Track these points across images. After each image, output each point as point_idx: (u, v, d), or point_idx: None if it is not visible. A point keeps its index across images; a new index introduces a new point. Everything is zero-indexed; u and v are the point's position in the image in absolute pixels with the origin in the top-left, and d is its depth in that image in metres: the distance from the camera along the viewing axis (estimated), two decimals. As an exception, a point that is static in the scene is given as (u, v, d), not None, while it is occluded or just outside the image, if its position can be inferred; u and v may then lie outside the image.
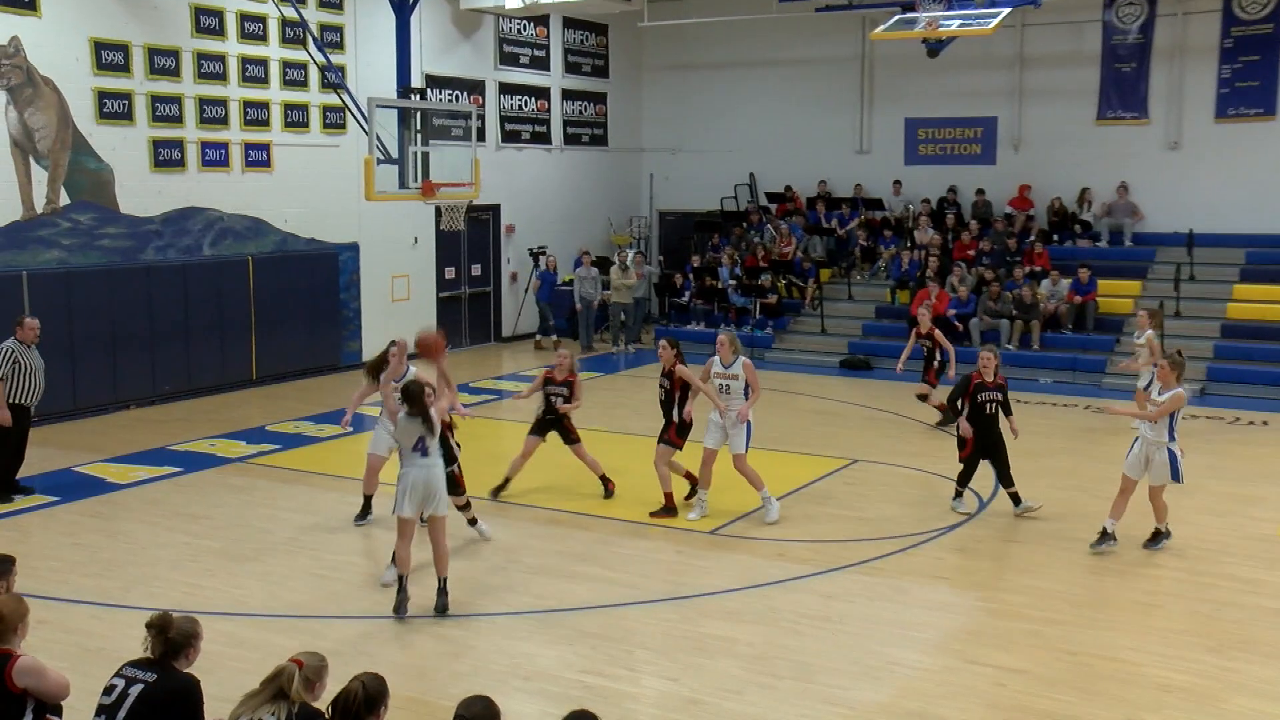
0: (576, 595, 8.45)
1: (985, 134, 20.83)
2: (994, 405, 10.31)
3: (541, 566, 9.06)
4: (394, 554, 8.26)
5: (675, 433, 10.20)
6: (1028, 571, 8.96)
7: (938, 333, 13.98)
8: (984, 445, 10.32)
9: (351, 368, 17.53)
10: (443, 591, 8.02)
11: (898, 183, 21.38)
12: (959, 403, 10.47)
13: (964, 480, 10.50)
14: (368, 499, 10.14)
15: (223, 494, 10.96)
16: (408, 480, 7.90)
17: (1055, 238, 19.75)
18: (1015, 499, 10.39)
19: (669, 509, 10.20)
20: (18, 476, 10.65)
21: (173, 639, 4.70)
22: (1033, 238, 19.32)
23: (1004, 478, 10.43)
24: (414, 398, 7.84)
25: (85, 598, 8.25)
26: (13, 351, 10.31)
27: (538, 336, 20.19)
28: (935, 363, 13.96)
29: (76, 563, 8.99)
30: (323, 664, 4.64)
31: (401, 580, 7.98)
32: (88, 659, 7.17)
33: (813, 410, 15.30)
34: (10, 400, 10.27)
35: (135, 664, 4.74)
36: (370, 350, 17.61)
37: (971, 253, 19.40)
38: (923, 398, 14.15)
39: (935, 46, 18.09)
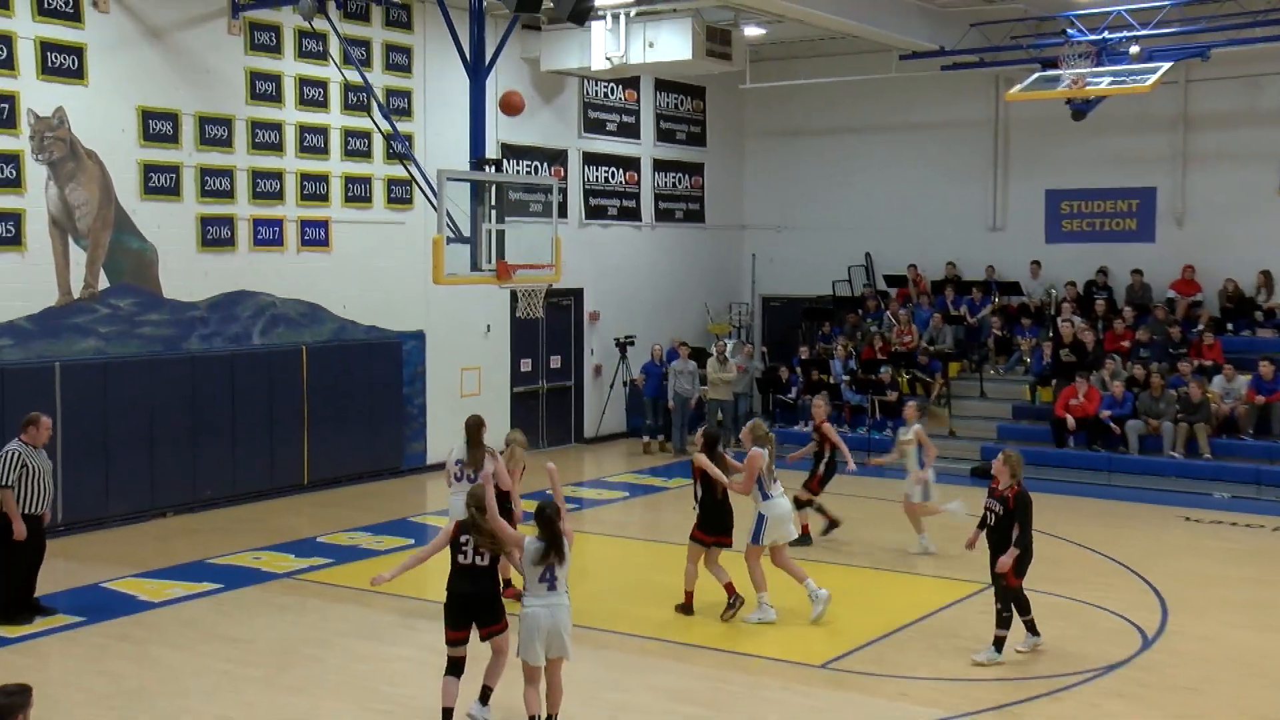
0: (666, 740, 8.27)
1: (1142, 207, 20.56)
2: (991, 516, 9.83)
3: (628, 703, 8.92)
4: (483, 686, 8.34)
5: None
6: (1207, 724, 8.55)
7: (827, 427, 13.33)
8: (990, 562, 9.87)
9: (415, 471, 17.73)
10: None
11: (1037, 263, 21.16)
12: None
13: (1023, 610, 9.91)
14: None
15: (267, 615, 11.06)
16: (534, 621, 7.82)
17: (1229, 327, 19.27)
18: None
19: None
20: (37, 594, 10.84)
21: None
22: (1201, 326, 18.90)
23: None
24: (547, 520, 7.87)
25: (111, 730, 8.32)
26: (19, 455, 10.47)
27: (645, 439, 20.23)
28: (823, 465, 13.30)
29: (101, 694, 9.09)
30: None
31: None
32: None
33: (939, 524, 14.96)
34: (22, 511, 10.48)
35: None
36: (436, 452, 17.83)
37: (1126, 344, 19.03)
38: (801, 504, 13.17)
39: (1081, 108, 18.02)
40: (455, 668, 8.27)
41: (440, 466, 17.35)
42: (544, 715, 8.02)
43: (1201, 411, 17.27)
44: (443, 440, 17.84)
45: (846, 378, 19.93)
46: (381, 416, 17.36)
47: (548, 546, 7.86)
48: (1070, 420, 17.76)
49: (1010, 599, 9.77)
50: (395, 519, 14.99)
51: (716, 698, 9.05)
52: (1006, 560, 9.62)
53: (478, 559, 8.15)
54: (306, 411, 16.37)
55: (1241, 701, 9.03)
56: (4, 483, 10.39)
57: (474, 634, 8.26)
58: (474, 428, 11.12)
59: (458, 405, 18.32)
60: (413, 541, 13.98)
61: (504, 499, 10.61)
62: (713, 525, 10.82)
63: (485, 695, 8.39)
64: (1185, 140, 20.18)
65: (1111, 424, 17.52)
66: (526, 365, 20.00)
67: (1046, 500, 16.14)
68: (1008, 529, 9.68)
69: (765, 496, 10.90)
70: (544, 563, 7.86)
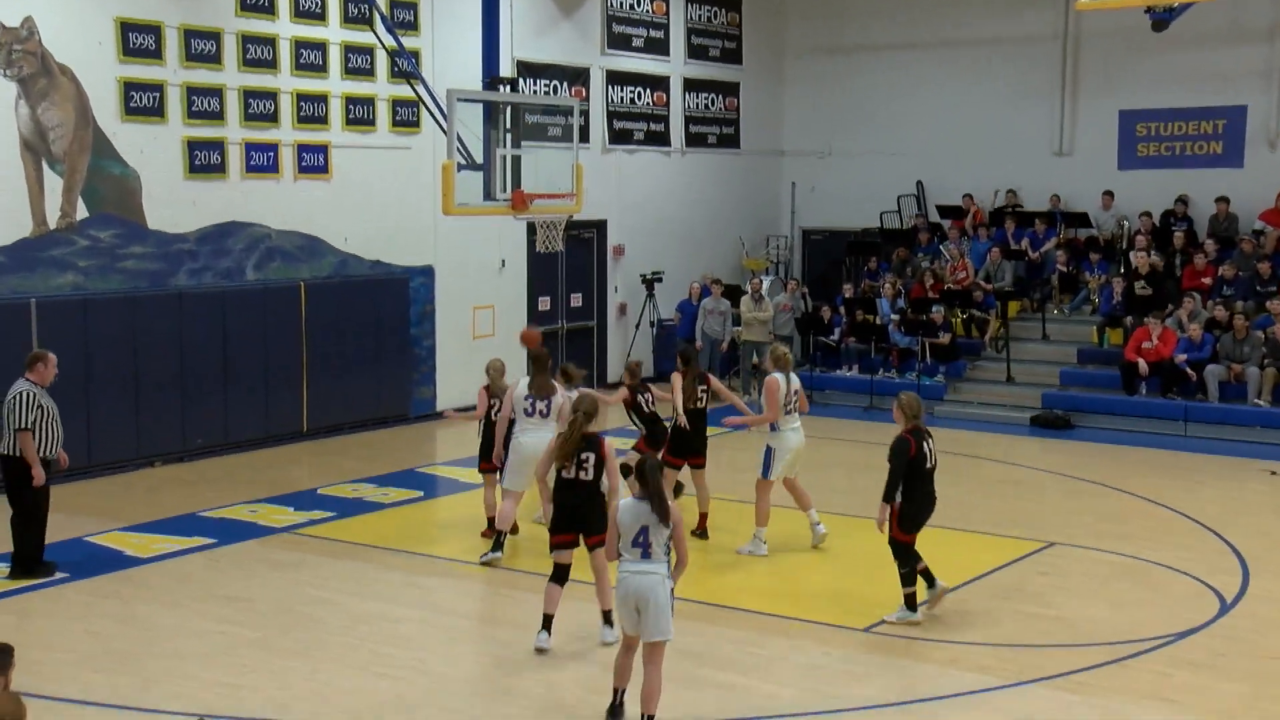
0: (701, 705, 8.36)
1: (1230, 128, 20.29)
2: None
3: (652, 670, 8.99)
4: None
5: None
6: (1288, 695, 8.56)
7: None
8: None
9: (423, 418, 17.83)
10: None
11: (1109, 193, 20.96)
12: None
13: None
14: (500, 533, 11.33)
15: (265, 571, 11.19)
16: (624, 589, 7.81)
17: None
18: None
19: None
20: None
21: None
22: (1294, 261, 18.69)
23: None
24: (646, 475, 7.85)
25: (95, 698, 8.44)
26: (34, 396, 10.64)
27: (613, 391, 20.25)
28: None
29: (87, 654, 9.23)
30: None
31: (617, 694, 8.06)
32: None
33: (997, 479, 14.99)
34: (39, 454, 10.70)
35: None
36: (445, 397, 17.92)
37: (1207, 281, 18.86)
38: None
39: (1163, 16, 17.70)
40: (560, 575, 9.22)
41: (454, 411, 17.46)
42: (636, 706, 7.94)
43: (1290, 355, 17.14)
44: (453, 385, 17.95)
45: (894, 318, 19.86)
46: (387, 359, 17.43)
47: (648, 506, 7.77)
48: (1143, 365, 17.65)
49: (899, 554, 9.78)
50: (402, 469, 15.10)
51: (751, 662, 9.12)
52: (881, 519, 9.74)
53: (581, 474, 9.02)
54: (305, 353, 16.46)
55: (1327, 670, 9.04)
56: (22, 425, 10.55)
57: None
58: (541, 358, 11.46)
59: (470, 347, 18.40)
60: (422, 494, 14.12)
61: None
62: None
63: (607, 617, 9.24)
64: (1281, 53, 19.85)
65: (1188, 369, 17.40)
66: (545, 304, 20.02)
67: (1115, 452, 16.20)
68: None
69: (773, 429, 11.46)
70: (639, 524, 7.78)
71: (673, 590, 7.80)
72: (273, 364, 16.13)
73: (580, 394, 9.58)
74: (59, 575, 10.91)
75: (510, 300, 19.25)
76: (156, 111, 15.06)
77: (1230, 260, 19.06)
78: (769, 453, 11.50)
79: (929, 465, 9.83)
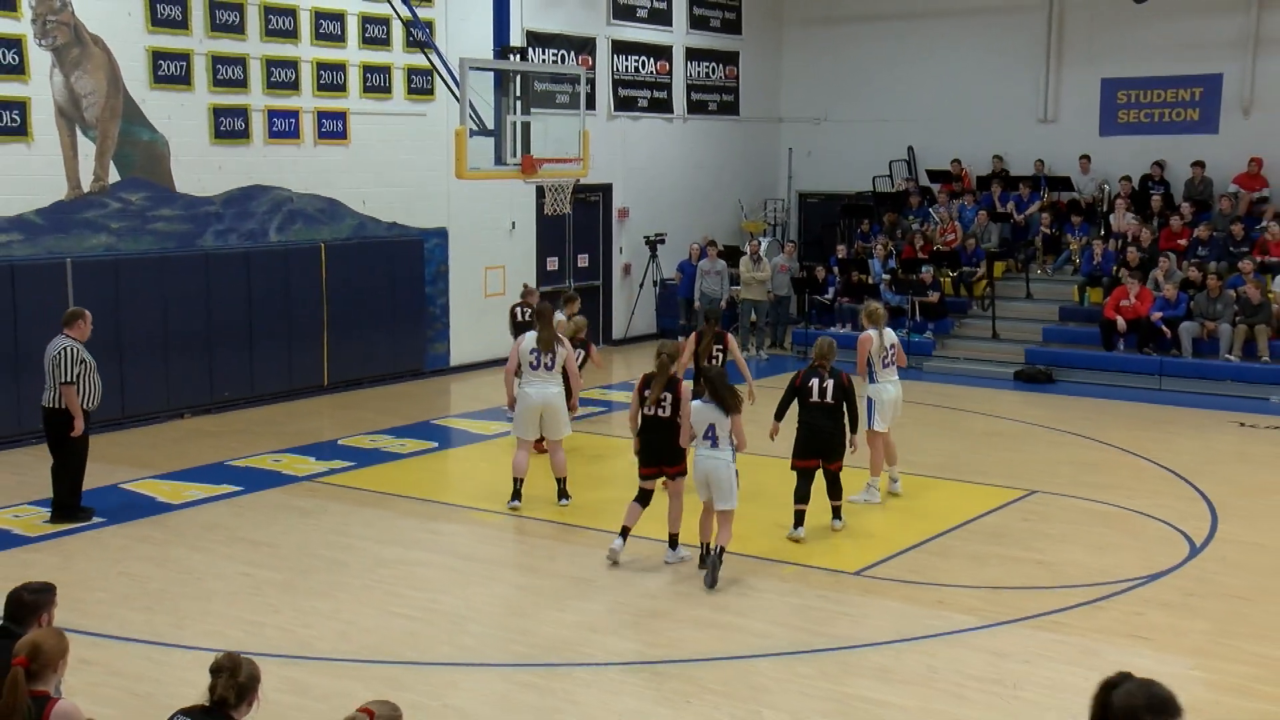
0: (697, 644, 8.43)
1: (1206, 95, 20.15)
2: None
3: (655, 609, 9.07)
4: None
5: None
6: (1259, 636, 8.61)
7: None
8: None
9: (437, 373, 17.86)
10: (716, 564, 9.42)
11: (1088, 158, 20.85)
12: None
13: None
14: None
15: (288, 518, 11.25)
16: (696, 468, 9.52)
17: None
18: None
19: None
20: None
21: (243, 683, 4.83)
22: (1265, 223, 18.62)
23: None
24: (712, 382, 9.43)
25: (133, 634, 8.54)
26: (78, 351, 10.71)
27: (680, 340, 20.25)
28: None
29: (124, 594, 9.31)
30: (397, 715, 4.70)
31: (704, 546, 9.68)
32: (136, 705, 7.43)
33: (983, 431, 15.02)
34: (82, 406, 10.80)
35: (189, 712, 4.87)
36: (459, 353, 17.96)
37: (1183, 242, 18.81)
38: None
39: (1142, -11, 17.62)
40: (642, 498, 10.03)
41: (467, 368, 17.49)
42: (713, 546, 9.57)
43: (1262, 313, 17.11)
44: (466, 341, 17.99)
45: (886, 278, 19.83)
46: (403, 316, 17.44)
47: (714, 406, 9.34)
48: (1121, 322, 17.65)
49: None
50: (418, 421, 15.14)
51: (747, 604, 9.17)
52: (770, 431, 10.79)
53: (659, 411, 9.76)
54: (326, 311, 16.47)
55: (1292, 611, 9.09)
56: (68, 379, 10.61)
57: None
58: (545, 312, 11.61)
59: (481, 305, 18.42)
60: (436, 444, 14.17)
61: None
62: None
63: (673, 541, 9.98)
64: (1258, 21, 19.66)
65: (1164, 326, 17.40)
66: (553, 264, 20.00)
67: (1094, 405, 16.22)
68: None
69: (872, 380, 11.64)
70: (706, 421, 9.37)
71: (735, 471, 9.42)
72: (295, 321, 16.14)
73: (663, 341, 10.72)
74: (96, 520, 10.99)
75: (520, 260, 19.23)
76: (183, 79, 14.99)
77: (1206, 222, 19.00)
78: (870, 404, 11.57)
79: (812, 399, 10.51)
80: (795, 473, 10.60)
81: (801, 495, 10.55)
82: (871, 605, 9.18)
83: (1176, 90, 20.39)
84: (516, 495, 11.41)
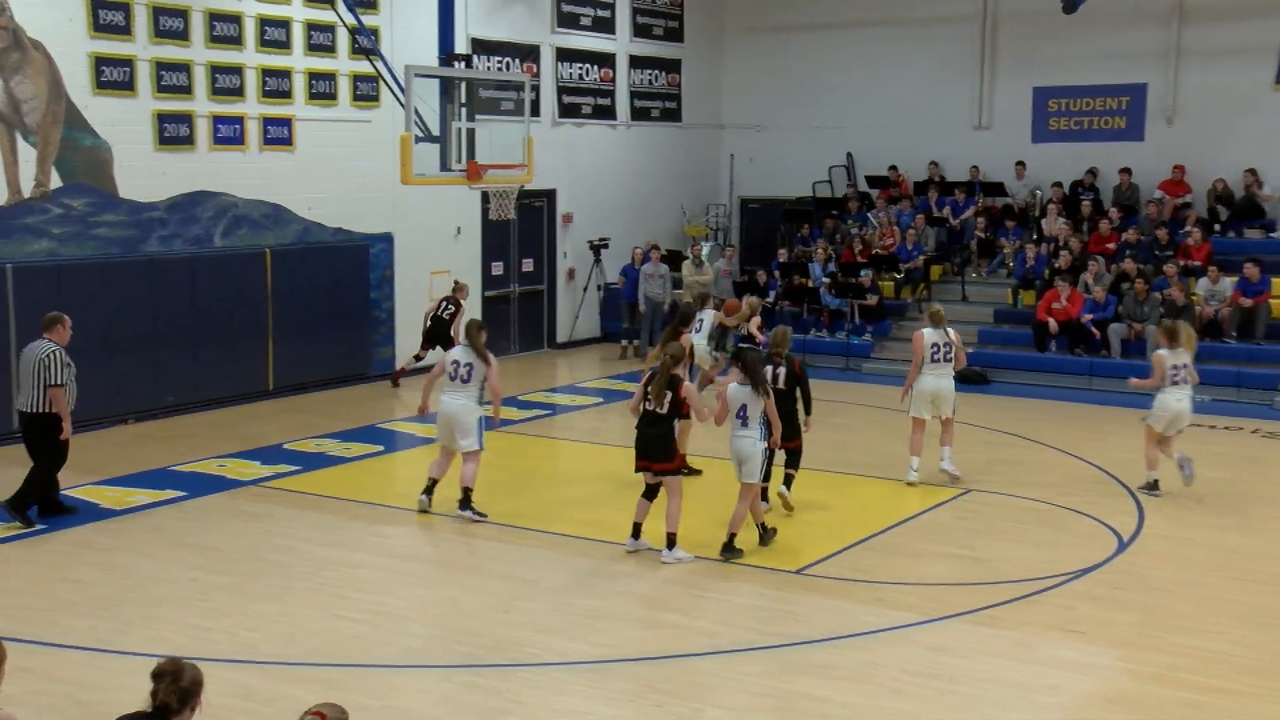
0: (642, 643, 8.42)
1: (1132, 105, 20.47)
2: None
3: (600, 609, 9.05)
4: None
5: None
6: (1183, 628, 8.74)
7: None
8: None
9: (383, 376, 17.73)
10: (730, 546, 10.02)
11: (1022, 164, 21.11)
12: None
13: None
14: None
15: (234, 522, 11.12)
16: (731, 448, 10.06)
17: (1217, 228, 19.32)
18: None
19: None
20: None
21: (185, 688, 4.76)
22: (1189, 228, 18.93)
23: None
24: (748, 365, 10.04)
25: (75, 641, 8.38)
26: (63, 354, 10.68)
27: (622, 343, 20.31)
28: None
29: (66, 600, 9.15)
30: (344, 717, 4.67)
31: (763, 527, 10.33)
32: (77, 713, 7.30)
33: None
34: (52, 409, 10.75)
35: (130, 718, 4.80)
36: (405, 358, 17.83)
37: (1111, 246, 19.08)
38: None
39: (1072, 1, 17.85)
40: (649, 493, 10.19)
41: (413, 372, 17.38)
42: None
43: (1186, 314, 17.36)
44: (411, 345, 17.88)
45: (826, 281, 19.95)
46: (348, 321, 17.29)
47: (749, 388, 9.92)
48: (1053, 324, 17.86)
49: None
50: (363, 425, 15.02)
51: (690, 603, 9.18)
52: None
53: (657, 407, 9.96)
54: (271, 316, 16.29)
55: (1214, 601, 9.24)
56: (57, 382, 10.57)
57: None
58: (473, 328, 11.49)
59: (426, 310, 18.28)
60: (382, 448, 14.07)
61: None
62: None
63: (670, 541, 9.99)
64: (1179, 34, 20.00)
65: (1093, 328, 17.63)
66: (498, 269, 19.92)
67: (1028, 405, 16.41)
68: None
69: (919, 373, 12.31)
70: (740, 401, 9.95)
71: (765, 449, 10.07)
72: (240, 326, 15.96)
73: (671, 343, 10.91)
74: (38, 526, 10.80)
75: (465, 265, 19.13)
76: (127, 85, 14.78)
77: (1133, 227, 19.28)
78: (910, 394, 12.42)
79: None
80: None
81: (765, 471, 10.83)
82: (812, 603, 9.21)
83: (1104, 99, 20.69)
84: (427, 491, 11.35)
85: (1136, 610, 9.07)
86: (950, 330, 12.42)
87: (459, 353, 11.33)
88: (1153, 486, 12.06)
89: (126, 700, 5.17)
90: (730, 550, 10.04)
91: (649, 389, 10.05)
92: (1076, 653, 8.28)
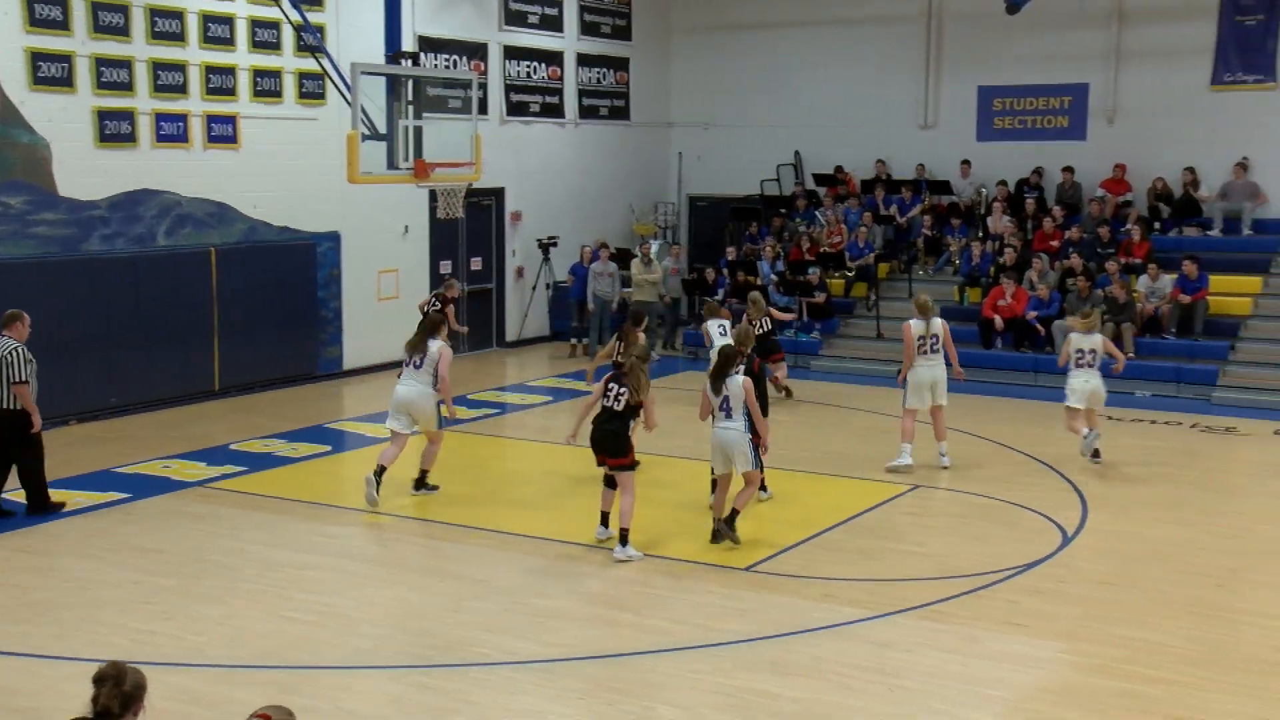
0: (592, 642, 8.40)
1: (1074, 104, 20.70)
2: None
3: (551, 608, 9.03)
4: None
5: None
6: (1123, 620, 8.85)
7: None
8: None
9: (330, 376, 17.58)
10: (729, 522, 10.21)
11: (967, 162, 21.29)
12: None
13: None
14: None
15: (179, 524, 10.97)
16: (714, 440, 10.23)
17: (1157, 226, 19.59)
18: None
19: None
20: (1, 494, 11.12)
21: (128, 692, 4.69)
22: (1129, 226, 19.18)
23: None
24: (725, 359, 10.28)
25: (12, 648, 8.23)
26: (24, 350, 10.80)
27: (571, 341, 20.26)
28: None
29: (3, 606, 8.99)
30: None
31: (716, 521, 10.28)
32: None
33: (867, 427, 15.21)
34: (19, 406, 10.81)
35: (72, 726, 4.72)
36: (352, 357, 17.71)
37: (1055, 244, 19.29)
38: None
39: (1015, 2, 18.02)
40: (608, 482, 10.36)
41: (360, 371, 17.30)
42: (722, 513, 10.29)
43: (1127, 311, 17.61)
44: (359, 345, 17.77)
45: (774, 279, 20.01)
46: (295, 320, 17.14)
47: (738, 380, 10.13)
48: (998, 321, 18.03)
49: None
50: (311, 425, 14.90)
51: (640, 601, 9.18)
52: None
53: (615, 404, 10.12)
54: (217, 316, 16.12)
55: (1156, 593, 9.36)
56: (22, 379, 10.70)
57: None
58: (436, 321, 12.04)
59: (375, 309, 18.19)
60: (330, 448, 13.95)
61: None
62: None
63: (623, 537, 10.03)
64: (1119, 36, 20.25)
65: (1038, 325, 17.81)
66: (446, 267, 19.81)
67: (974, 401, 16.51)
68: None
69: (911, 366, 12.76)
70: (722, 395, 10.15)
71: (751, 440, 10.16)
72: (185, 326, 15.77)
73: (637, 345, 11.25)
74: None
75: (413, 264, 19.04)
76: (65, 81, 14.55)
77: (1075, 225, 19.51)
78: (906, 385, 12.81)
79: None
80: None
81: None
82: (762, 600, 9.24)
83: (1047, 99, 20.91)
84: (376, 475, 11.41)
85: (1079, 603, 9.17)
86: (936, 320, 12.86)
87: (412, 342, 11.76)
88: (1095, 455, 12.93)
89: (66, 707, 5.10)
90: (729, 528, 10.19)
91: (610, 388, 10.18)
92: (1021, 646, 8.37)
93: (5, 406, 10.76)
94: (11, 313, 11.02)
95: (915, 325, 12.79)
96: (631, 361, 10.27)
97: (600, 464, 10.36)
